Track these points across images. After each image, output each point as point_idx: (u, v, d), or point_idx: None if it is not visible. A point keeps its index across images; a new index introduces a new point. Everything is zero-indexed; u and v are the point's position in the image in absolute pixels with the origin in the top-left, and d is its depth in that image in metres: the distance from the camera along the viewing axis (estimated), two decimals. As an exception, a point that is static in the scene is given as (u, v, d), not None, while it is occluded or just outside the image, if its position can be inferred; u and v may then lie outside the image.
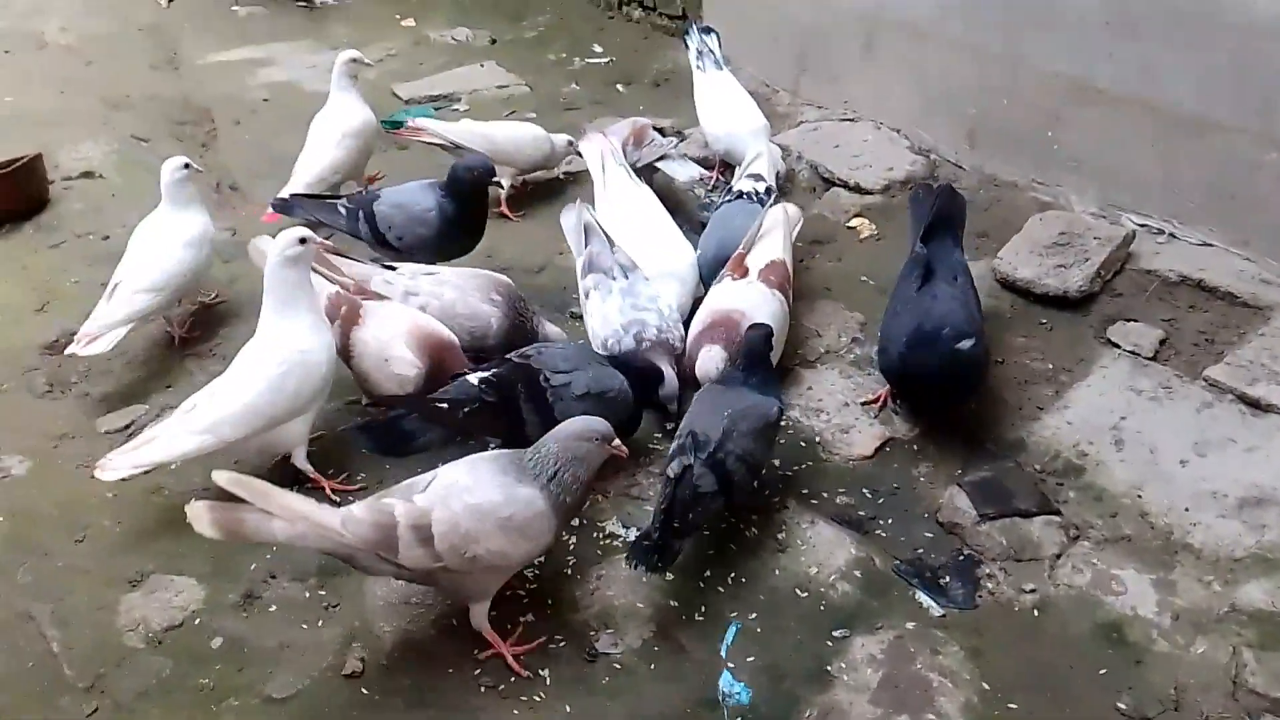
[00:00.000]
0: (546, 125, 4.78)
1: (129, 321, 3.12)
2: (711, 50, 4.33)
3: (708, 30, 4.42)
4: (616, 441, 2.27)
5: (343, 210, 3.46)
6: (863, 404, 2.96)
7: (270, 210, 3.77)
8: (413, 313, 2.88)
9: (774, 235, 3.17)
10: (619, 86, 5.37)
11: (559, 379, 2.62)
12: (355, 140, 4.14)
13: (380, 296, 2.93)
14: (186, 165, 3.38)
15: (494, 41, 6.19)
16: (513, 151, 4.17)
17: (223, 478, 2.10)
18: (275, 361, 2.63)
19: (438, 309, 2.96)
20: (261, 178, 4.54)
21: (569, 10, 6.52)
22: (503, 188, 4.00)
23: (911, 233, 3.12)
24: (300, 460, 2.76)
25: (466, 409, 2.59)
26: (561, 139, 4.27)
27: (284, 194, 3.85)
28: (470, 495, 2.12)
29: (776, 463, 2.80)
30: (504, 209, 4.11)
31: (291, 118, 5.11)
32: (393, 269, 3.14)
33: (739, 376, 2.63)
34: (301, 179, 4.01)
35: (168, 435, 2.60)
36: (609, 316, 2.97)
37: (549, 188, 4.39)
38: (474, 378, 2.64)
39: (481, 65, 5.78)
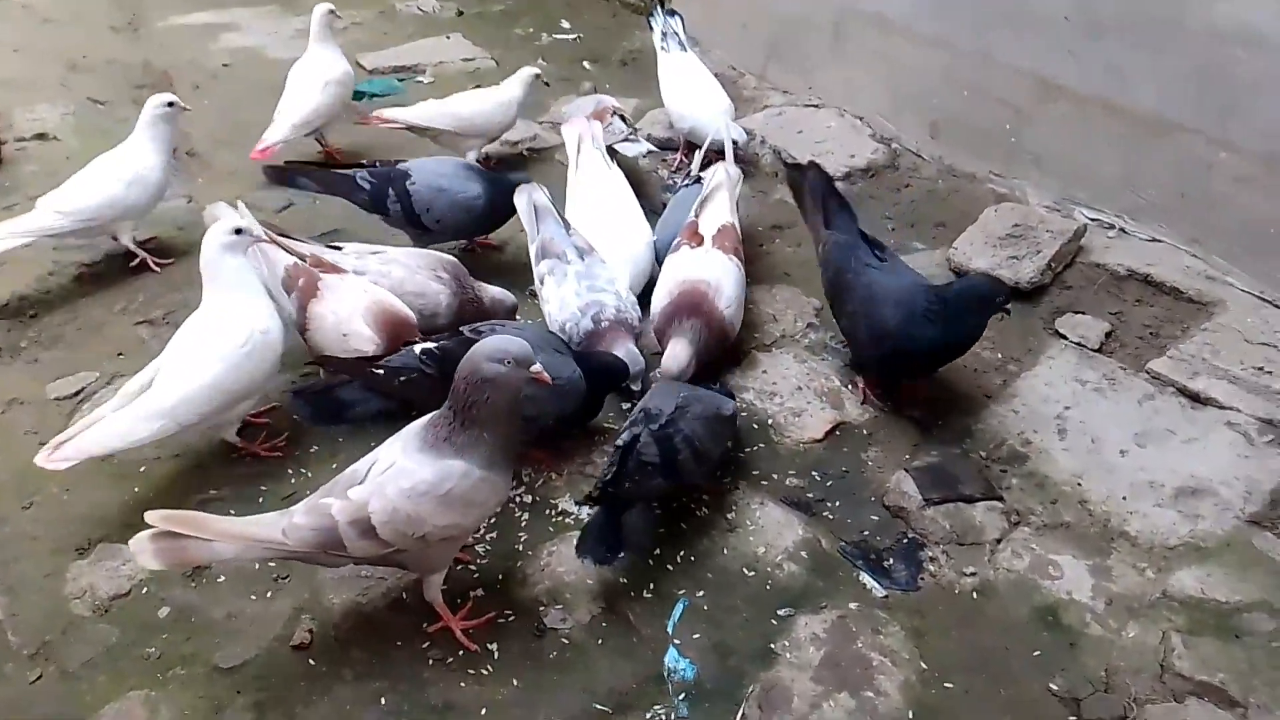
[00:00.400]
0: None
1: (30, 236, 3.24)
2: (676, 32, 4.37)
3: (672, 13, 4.46)
4: (536, 366, 2.14)
5: (365, 184, 3.42)
6: (862, 402, 2.98)
7: (262, 148, 3.93)
8: (371, 288, 2.87)
9: (719, 198, 3.23)
10: (586, 64, 5.36)
11: None
12: (338, 88, 4.25)
13: (337, 269, 2.91)
14: (170, 104, 3.51)
15: (461, 14, 6.15)
16: (481, 124, 4.17)
17: (154, 517, 2.04)
18: (237, 343, 2.61)
19: (387, 287, 2.95)
20: (222, 144, 4.50)
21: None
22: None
23: (812, 216, 3.14)
24: (230, 436, 2.76)
25: (403, 378, 2.58)
26: (526, 73, 4.29)
27: (268, 139, 3.98)
28: (404, 479, 2.07)
29: (728, 444, 2.83)
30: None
31: (253, 84, 5.07)
32: (338, 249, 3.12)
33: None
34: (287, 122, 4.09)
35: (121, 421, 2.52)
36: (566, 300, 2.97)
37: (512, 166, 4.38)
38: (417, 348, 2.63)
39: (448, 37, 5.74)
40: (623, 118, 4.17)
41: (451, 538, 2.20)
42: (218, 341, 2.60)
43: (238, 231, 2.65)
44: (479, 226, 3.53)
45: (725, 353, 3.00)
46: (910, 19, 3.98)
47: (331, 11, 4.37)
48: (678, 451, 2.45)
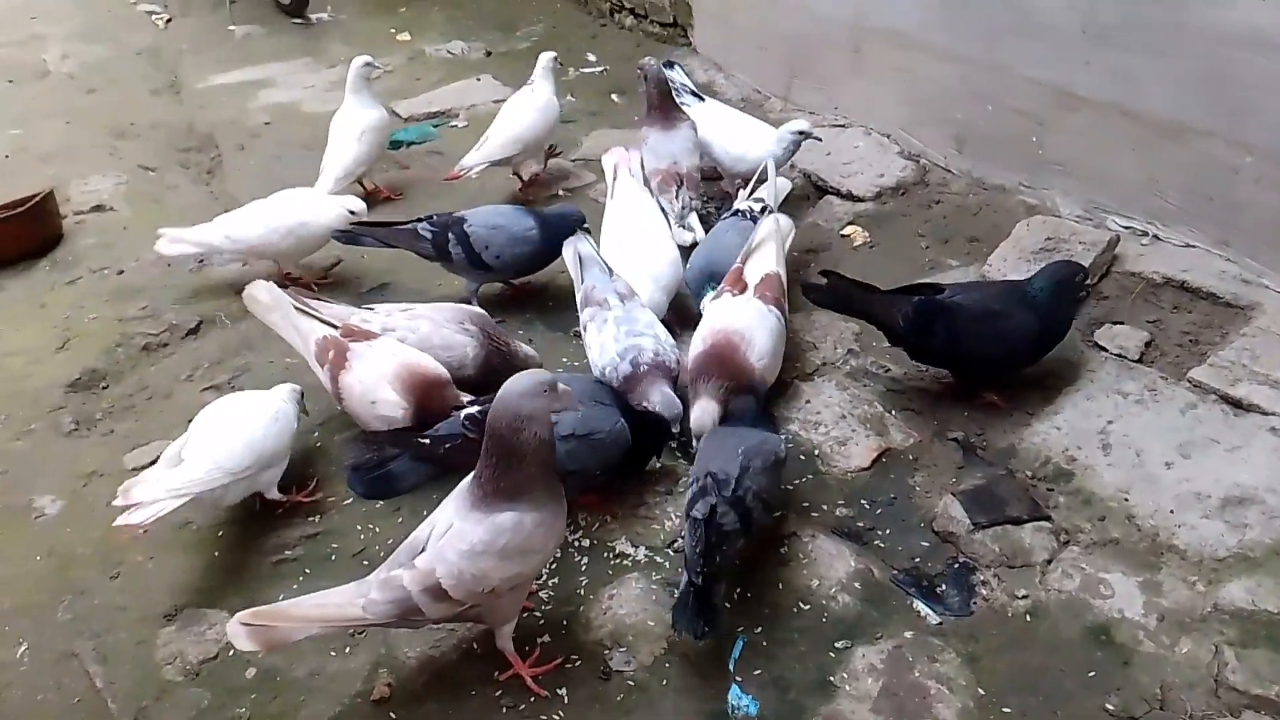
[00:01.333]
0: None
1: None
2: (684, 83, 4.40)
3: (670, 64, 4.48)
4: (562, 386, 2.22)
5: (426, 234, 3.60)
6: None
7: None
8: (400, 350, 2.95)
9: (767, 247, 3.27)
10: (614, 96, 5.47)
11: None
12: (375, 135, 4.52)
13: (368, 335, 3.01)
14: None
15: (489, 54, 6.30)
16: (538, 134, 4.46)
17: (244, 618, 2.16)
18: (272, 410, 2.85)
19: (415, 342, 3.06)
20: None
21: (561, 19, 6.62)
22: (523, 180, 4.58)
23: (864, 306, 3.18)
24: (272, 494, 2.89)
25: (448, 444, 2.65)
26: (545, 59, 4.58)
27: (320, 189, 4.24)
28: (461, 540, 2.16)
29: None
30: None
31: (293, 140, 5.26)
32: (371, 309, 3.26)
33: (737, 419, 2.73)
34: (331, 175, 4.35)
35: (187, 469, 2.68)
36: (605, 345, 3.05)
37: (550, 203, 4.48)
38: (463, 413, 2.72)
39: (478, 79, 5.89)
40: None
41: (519, 585, 2.30)
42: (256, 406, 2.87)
43: None
44: (537, 260, 3.64)
45: (760, 400, 3.00)
46: (925, 33, 4.04)
47: (369, 64, 4.58)
48: (752, 510, 2.47)
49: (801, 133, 3.86)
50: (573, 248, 3.39)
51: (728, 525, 2.41)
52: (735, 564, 2.55)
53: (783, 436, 2.83)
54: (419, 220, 3.66)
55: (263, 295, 3.11)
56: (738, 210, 3.58)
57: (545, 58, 4.60)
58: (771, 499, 2.60)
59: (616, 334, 3.06)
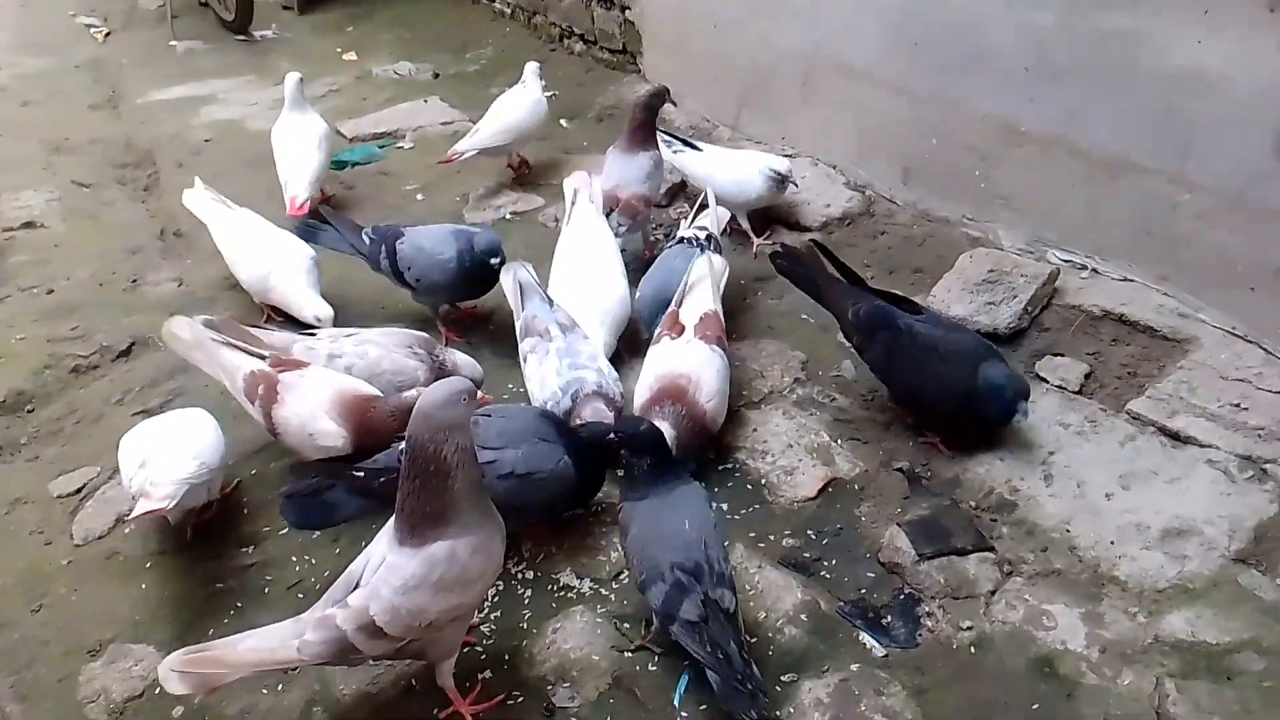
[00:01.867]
0: (493, 164, 4.88)
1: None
2: (672, 135, 4.37)
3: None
4: (480, 393, 2.21)
5: (366, 239, 3.68)
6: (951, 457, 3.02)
7: (299, 206, 4.25)
8: (330, 377, 2.88)
9: (703, 286, 3.25)
10: (563, 121, 5.45)
11: (484, 455, 2.44)
12: (328, 144, 4.62)
13: (297, 364, 2.93)
14: None
15: (436, 76, 6.26)
16: (528, 127, 4.71)
17: (173, 663, 2.08)
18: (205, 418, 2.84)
19: (364, 368, 3.00)
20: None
21: (511, 43, 6.61)
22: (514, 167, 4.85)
23: (826, 292, 3.22)
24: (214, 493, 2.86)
25: (383, 478, 2.52)
26: (532, 68, 4.82)
27: (300, 197, 4.29)
28: (393, 576, 2.09)
29: (724, 506, 2.89)
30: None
31: (235, 158, 5.17)
32: (313, 333, 3.20)
33: (652, 479, 2.46)
34: (305, 179, 4.37)
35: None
36: (546, 379, 3.00)
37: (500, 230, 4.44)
38: (400, 445, 2.59)
39: (425, 100, 5.84)
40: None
41: (460, 617, 2.24)
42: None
43: None
44: (456, 288, 3.59)
45: (709, 443, 3.00)
46: (874, 66, 4.08)
47: (301, 79, 4.71)
48: (731, 580, 2.34)
49: (777, 173, 3.94)
50: (512, 274, 3.35)
51: (726, 603, 2.28)
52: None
53: (710, 504, 2.59)
54: (366, 229, 3.70)
55: (183, 332, 2.98)
56: (682, 238, 3.56)
57: (532, 66, 4.83)
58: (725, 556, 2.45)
59: (559, 367, 3.02)
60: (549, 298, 3.26)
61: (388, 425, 2.77)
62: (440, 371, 3.03)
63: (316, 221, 3.88)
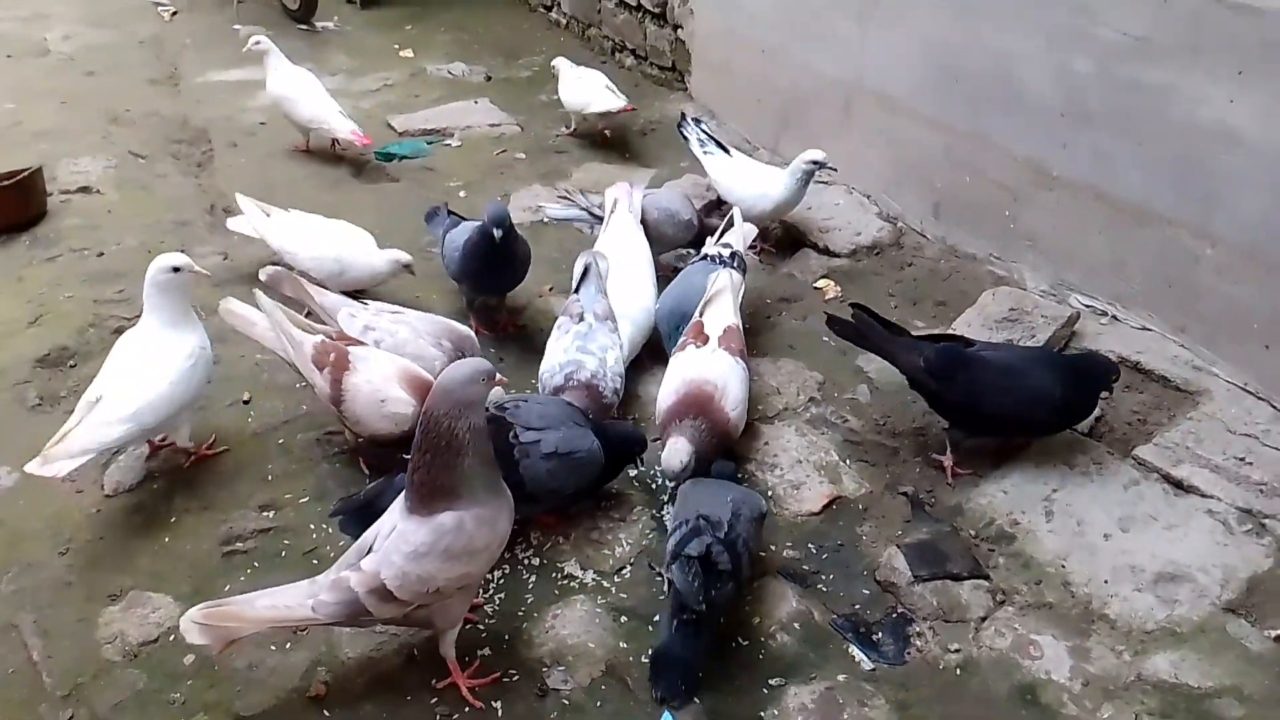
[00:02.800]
0: (535, 168, 5.01)
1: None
2: (711, 135, 4.49)
3: (698, 120, 4.64)
4: (498, 376, 2.30)
5: (440, 215, 4.03)
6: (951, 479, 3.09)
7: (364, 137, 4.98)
8: (396, 359, 3.01)
9: (724, 300, 3.32)
10: (607, 132, 5.56)
11: (528, 436, 2.68)
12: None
13: (359, 341, 3.06)
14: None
15: (489, 79, 6.39)
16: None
17: (195, 615, 2.19)
18: (184, 355, 2.94)
19: (390, 346, 3.12)
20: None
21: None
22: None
23: (886, 345, 3.18)
24: (183, 441, 3.07)
25: None
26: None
27: (357, 130, 4.97)
28: (404, 543, 2.19)
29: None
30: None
31: (286, 143, 5.30)
32: (363, 304, 3.32)
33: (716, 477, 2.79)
34: (334, 114, 5.07)
35: (93, 428, 2.77)
36: (553, 353, 3.16)
37: (534, 235, 4.55)
38: None
39: (475, 102, 5.97)
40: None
41: (467, 585, 2.33)
42: (166, 355, 2.94)
43: (175, 269, 2.95)
44: (475, 274, 3.71)
45: (726, 451, 3.06)
46: (914, 99, 4.16)
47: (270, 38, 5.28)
48: (741, 557, 2.48)
49: (815, 162, 4.01)
50: (585, 260, 3.48)
51: (722, 564, 2.42)
52: (722, 615, 2.53)
53: (764, 500, 2.80)
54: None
55: (241, 310, 3.11)
56: (706, 255, 3.65)
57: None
58: (754, 553, 2.61)
59: (568, 346, 3.14)
60: (604, 290, 3.38)
61: None
62: None
63: (444, 209, 4.05)
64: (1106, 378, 3.02)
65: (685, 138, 4.57)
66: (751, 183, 4.21)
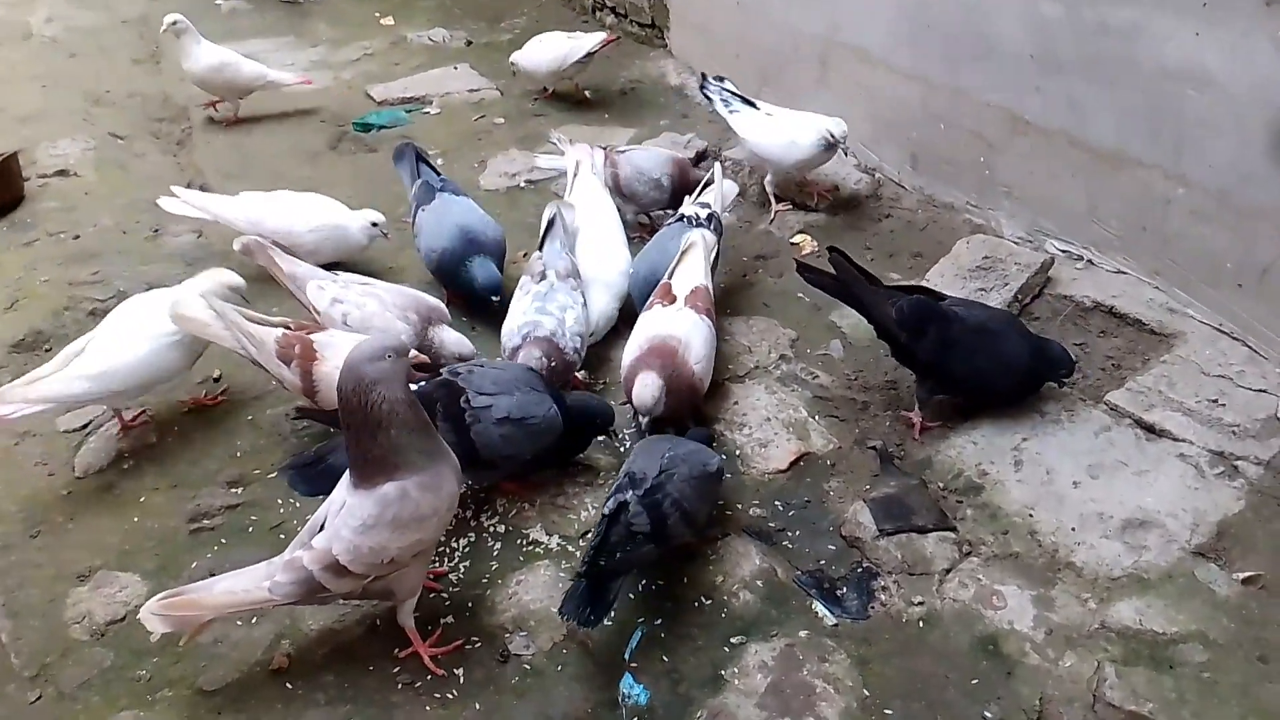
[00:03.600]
0: (513, 132, 4.97)
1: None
2: (736, 93, 4.31)
3: (720, 78, 4.42)
4: (413, 352, 2.26)
5: (421, 187, 3.91)
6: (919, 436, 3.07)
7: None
8: (356, 338, 2.97)
9: (693, 259, 3.29)
10: (587, 92, 5.50)
11: (480, 400, 2.66)
12: None
13: (317, 327, 3.03)
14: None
15: (469, 44, 6.33)
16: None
17: (153, 608, 2.21)
18: (170, 330, 2.95)
19: (358, 318, 3.12)
20: (233, 178, 4.69)
21: (545, 14, 6.66)
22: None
23: (860, 293, 3.08)
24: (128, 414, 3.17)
25: None
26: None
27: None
28: (351, 517, 2.19)
29: (717, 500, 2.85)
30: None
31: (264, 116, 5.28)
32: (333, 276, 3.31)
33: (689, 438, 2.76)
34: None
35: (56, 381, 2.85)
36: (513, 315, 3.17)
37: (512, 198, 4.52)
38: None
39: (455, 68, 5.92)
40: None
41: (421, 552, 2.33)
42: (152, 326, 2.96)
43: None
44: (443, 279, 3.73)
45: (694, 409, 3.06)
46: (888, 52, 4.08)
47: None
48: (667, 517, 2.46)
49: (830, 134, 3.90)
50: (550, 212, 3.46)
51: (637, 526, 2.42)
52: (635, 568, 2.55)
53: (721, 457, 2.77)
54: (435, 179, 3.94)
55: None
56: (683, 215, 3.59)
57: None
58: (695, 512, 2.57)
59: (526, 307, 3.14)
60: (569, 244, 3.38)
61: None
62: (423, 342, 3.11)
63: (414, 151, 4.03)
64: (1058, 370, 2.99)
65: (709, 98, 4.37)
66: (780, 132, 4.07)
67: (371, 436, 2.16)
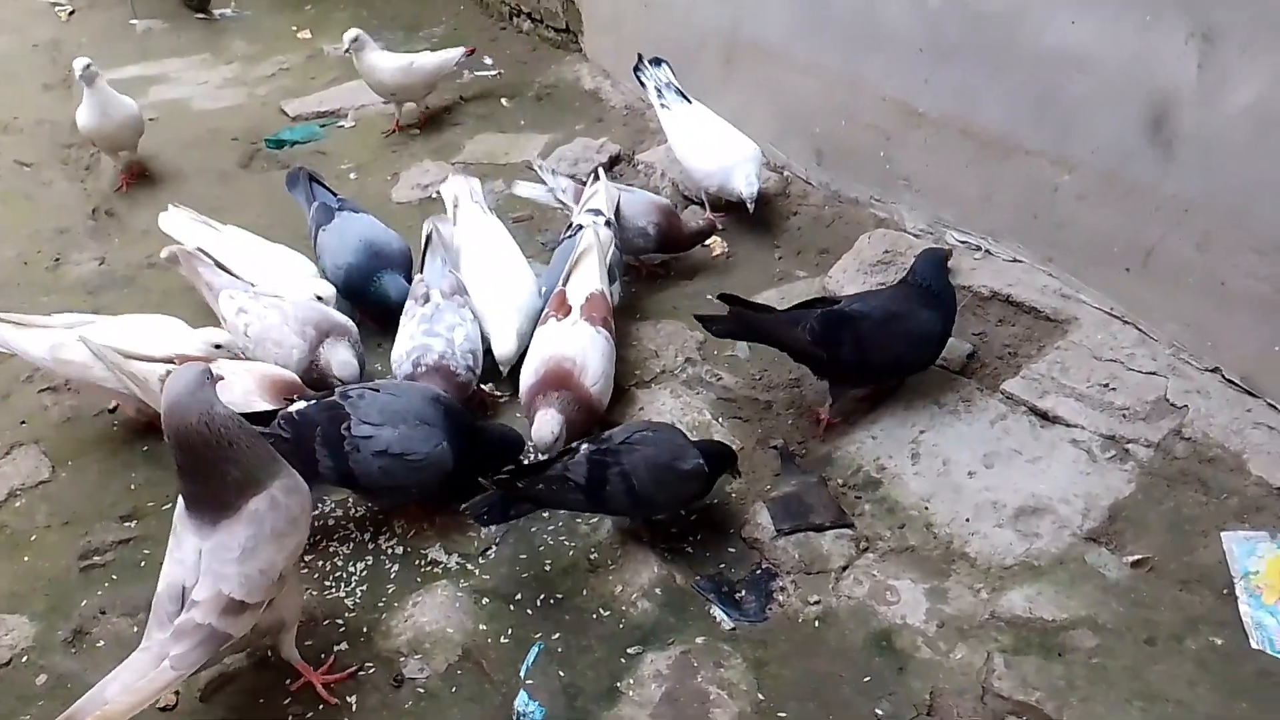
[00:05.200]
0: (427, 144, 4.95)
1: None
2: (670, 82, 4.23)
3: (657, 61, 4.30)
4: (215, 370, 2.29)
5: (316, 209, 3.83)
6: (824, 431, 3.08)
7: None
8: (246, 366, 2.96)
9: (588, 263, 3.27)
10: (503, 100, 5.47)
11: (361, 430, 2.60)
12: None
13: (205, 359, 2.94)
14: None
15: (387, 54, 6.25)
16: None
17: None
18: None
19: (258, 330, 3.14)
20: (137, 204, 4.62)
21: (464, 21, 6.61)
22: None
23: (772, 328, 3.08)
24: None
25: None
26: None
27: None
28: (226, 552, 2.12)
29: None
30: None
31: (175, 138, 5.21)
32: (251, 290, 3.31)
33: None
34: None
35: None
36: (400, 340, 3.14)
37: (425, 209, 4.48)
38: (290, 409, 2.68)
39: (372, 79, 5.84)
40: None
41: (297, 557, 2.30)
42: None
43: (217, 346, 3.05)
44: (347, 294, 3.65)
45: (597, 423, 3.02)
46: (787, 45, 4.09)
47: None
48: (605, 481, 2.56)
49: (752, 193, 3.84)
50: (427, 228, 3.43)
51: (572, 475, 2.56)
52: (556, 509, 2.77)
53: (699, 463, 2.66)
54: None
55: (74, 355, 2.99)
56: (580, 227, 3.53)
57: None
58: (642, 493, 2.60)
59: (414, 332, 3.11)
60: (448, 260, 3.35)
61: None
62: (312, 359, 3.09)
63: (307, 174, 3.95)
64: (946, 263, 3.13)
65: (643, 83, 4.30)
66: (709, 155, 4.00)
67: (227, 460, 2.12)
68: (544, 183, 4.00)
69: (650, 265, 3.91)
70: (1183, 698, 2.24)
